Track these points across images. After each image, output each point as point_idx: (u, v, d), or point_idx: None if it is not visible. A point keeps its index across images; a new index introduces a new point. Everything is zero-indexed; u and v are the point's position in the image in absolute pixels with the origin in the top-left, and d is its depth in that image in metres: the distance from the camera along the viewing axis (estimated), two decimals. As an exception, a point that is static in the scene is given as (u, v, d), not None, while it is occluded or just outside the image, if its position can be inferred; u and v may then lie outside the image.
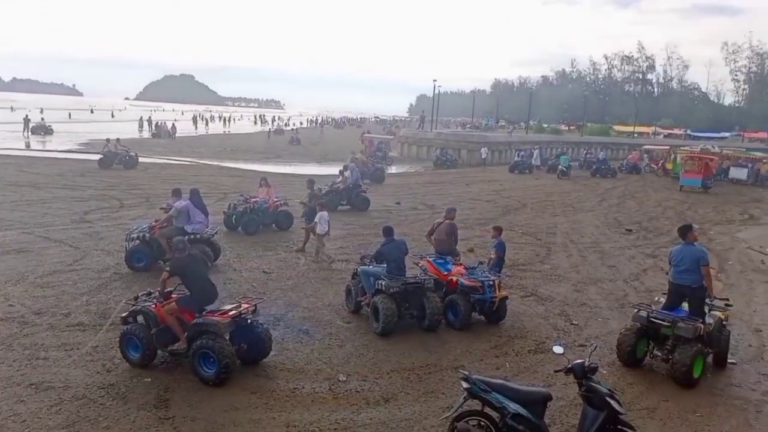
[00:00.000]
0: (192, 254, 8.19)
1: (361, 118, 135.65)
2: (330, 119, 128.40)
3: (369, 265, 9.81)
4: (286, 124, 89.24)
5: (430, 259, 10.31)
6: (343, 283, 10.95)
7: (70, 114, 78.90)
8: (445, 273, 9.91)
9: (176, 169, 30.08)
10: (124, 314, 7.78)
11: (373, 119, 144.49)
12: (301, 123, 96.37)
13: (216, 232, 12.84)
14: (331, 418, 6.47)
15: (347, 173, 20.11)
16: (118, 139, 31.04)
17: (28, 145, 39.81)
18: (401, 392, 7.16)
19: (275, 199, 16.47)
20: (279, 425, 6.29)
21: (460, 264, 10.39)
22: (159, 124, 58.68)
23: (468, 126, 76.98)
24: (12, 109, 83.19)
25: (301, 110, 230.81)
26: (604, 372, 7.78)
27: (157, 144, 45.21)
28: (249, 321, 7.64)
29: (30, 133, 46.26)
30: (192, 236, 11.74)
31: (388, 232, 9.80)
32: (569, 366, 5.51)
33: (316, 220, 13.40)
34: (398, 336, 8.87)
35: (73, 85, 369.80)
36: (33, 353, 7.71)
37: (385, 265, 9.48)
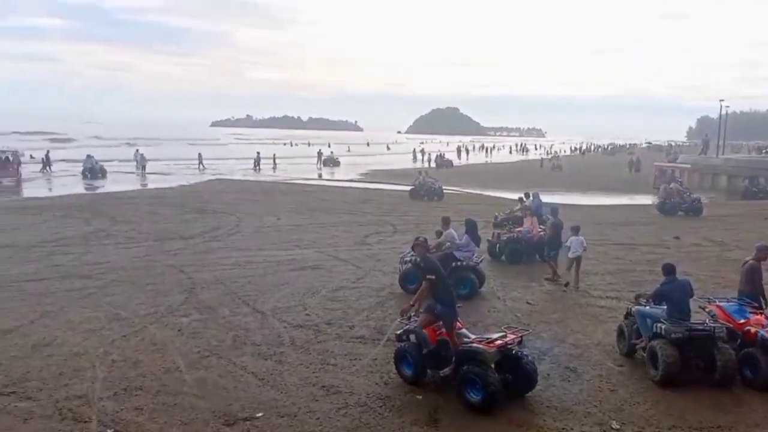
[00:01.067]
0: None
1: (630, 145, 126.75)
2: (595, 146, 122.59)
3: (645, 306, 9.03)
4: (547, 152, 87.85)
5: (722, 305, 9.06)
6: (613, 321, 10.25)
7: (348, 148, 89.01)
8: (741, 322, 8.60)
9: (456, 198, 31.75)
10: (398, 332, 8.42)
11: (644, 145, 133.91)
12: (564, 150, 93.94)
13: (481, 260, 13.16)
14: (603, 467, 6.05)
15: (528, 201, 19.34)
16: (426, 171, 33.96)
17: (320, 176, 46.11)
18: (685, 452, 6.37)
19: (539, 229, 16.25)
20: (546, 464, 6.10)
21: (761, 313, 8.92)
22: (443, 155, 62.61)
23: (765, 151, 66.44)
24: (309, 144, 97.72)
25: (563, 138, 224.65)
26: None
27: (434, 173, 48.31)
28: (515, 352, 7.62)
29: (322, 165, 53.71)
30: (459, 263, 12.25)
31: (669, 270, 8.90)
32: None
33: (567, 243, 13.09)
34: (681, 388, 7.93)
35: (356, 122, 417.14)
36: (324, 359, 8.77)
37: (665, 307, 8.61)
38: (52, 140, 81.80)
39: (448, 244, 12.66)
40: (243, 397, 7.45)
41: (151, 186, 34.68)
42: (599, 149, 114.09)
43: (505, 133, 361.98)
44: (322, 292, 12.40)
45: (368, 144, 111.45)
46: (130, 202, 25.87)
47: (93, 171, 37.70)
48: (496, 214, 20.83)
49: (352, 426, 6.80)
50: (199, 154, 49.08)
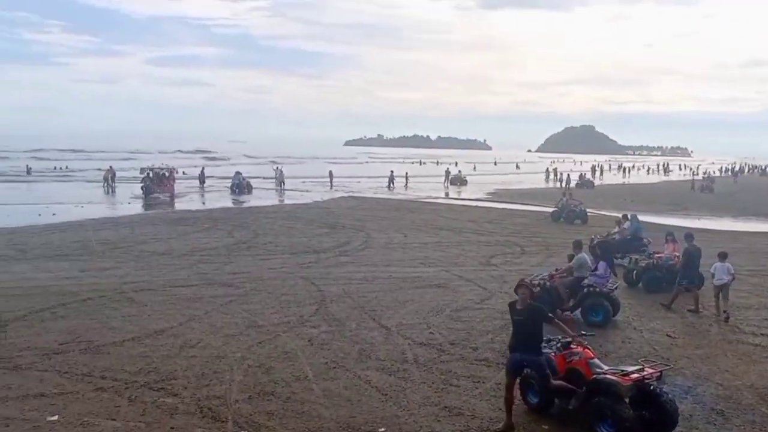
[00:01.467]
0: None
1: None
2: (751, 166, 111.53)
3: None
4: (694, 173, 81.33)
5: None
6: (769, 362, 9.22)
7: (474, 166, 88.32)
8: None
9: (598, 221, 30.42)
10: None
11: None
12: (714, 171, 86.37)
13: (616, 287, 12.43)
14: None
15: (626, 224, 18.44)
16: (570, 192, 32.71)
17: (447, 194, 46.18)
18: None
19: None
20: None
21: None
22: (583, 175, 60.30)
23: None
24: (437, 163, 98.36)
25: (712, 158, 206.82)
26: None
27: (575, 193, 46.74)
28: (653, 388, 7.09)
29: (449, 183, 53.78)
30: (591, 289, 11.67)
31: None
32: None
33: (711, 270, 12.20)
34: None
35: (484, 140, 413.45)
36: (447, 379, 8.72)
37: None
38: (208, 158, 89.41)
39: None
40: (366, 410, 7.61)
41: (287, 202, 36.74)
42: (755, 170, 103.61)
43: (645, 153, 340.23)
44: (447, 311, 12.37)
45: (495, 163, 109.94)
46: (268, 217, 27.57)
47: (240, 186, 40.95)
48: (593, 236, 19.63)
49: (473, 450, 6.68)
50: (330, 172, 51.17)
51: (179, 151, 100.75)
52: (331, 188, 46.60)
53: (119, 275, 14.93)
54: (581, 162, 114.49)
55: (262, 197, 38.66)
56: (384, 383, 8.47)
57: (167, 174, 38.37)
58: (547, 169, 69.32)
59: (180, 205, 33.23)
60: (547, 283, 12.20)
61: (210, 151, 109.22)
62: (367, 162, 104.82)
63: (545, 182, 60.93)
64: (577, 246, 12.71)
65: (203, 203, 35.03)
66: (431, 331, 10.96)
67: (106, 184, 41.87)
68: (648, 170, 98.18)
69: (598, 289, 11.76)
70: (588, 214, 28.63)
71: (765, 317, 12.34)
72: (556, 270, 12.81)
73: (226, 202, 35.56)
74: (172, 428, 6.99)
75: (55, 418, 7.11)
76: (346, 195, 41.38)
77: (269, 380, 8.46)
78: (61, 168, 60.28)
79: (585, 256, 12.39)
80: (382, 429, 7.10)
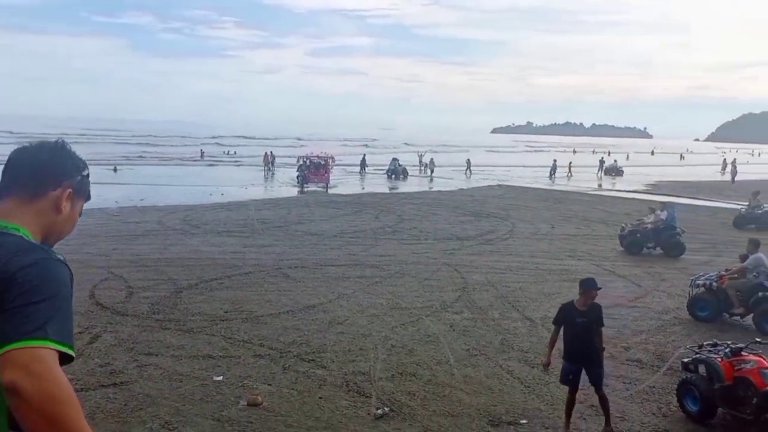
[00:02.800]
0: None
1: None
2: None
3: None
4: None
5: None
6: None
7: (627, 155, 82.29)
8: None
9: None
10: (685, 360, 7.54)
11: None
12: None
13: None
14: None
15: (660, 213, 17.13)
16: (758, 193, 24.53)
17: (600, 185, 43.67)
18: None
19: None
20: None
21: None
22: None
23: None
24: (593, 152, 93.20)
25: None
26: None
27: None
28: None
29: (603, 173, 50.79)
30: (765, 293, 10.47)
31: None
32: None
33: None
34: None
35: (644, 128, 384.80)
36: (595, 377, 8.29)
37: None
38: (365, 146, 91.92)
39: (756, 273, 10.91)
40: (508, 400, 7.50)
41: (434, 188, 37.06)
42: None
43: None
44: (596, 307, 11.74)
45: (652, 152, 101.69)
46: (413, 203, 28.03)
47: (396, 172, 42.58)
48: (623, 224, 18.14)
49: (621, 454, 6.32)
50: (468, 161, 50.17)
51: (342, 138, 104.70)
52: (468, 176, 45.94)
53: (277, 252, 16.05)
54: (759, 153, 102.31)
55: (410, 183, 39.35)
56: (527, 375, 8.29)
57: (322, 162, 36.91)
58: (725, 161, 62.22)
59: (333, 190, 34.82)
60: (714, 284, 11.13)
61: (368, 139, 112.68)
62: (515, 151, 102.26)
63: (721, 175, 55.05)
64: (755, 245, 11.41)
65: (358, 189, 36.34)
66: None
67: (265, 169, 45.11)
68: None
69: (776, 294, 10.50)
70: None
71: None
72: (726, 270, 11.62)
73: (376, 188, 36.64)
74: (321, 398, 7.41)
75: (221, 378, 7.85)
76: (493, 184, 40.77)
77: (411, 361, 8.64)
78: (230, 153, 66.08)
79: (762, 256, 11.09)
80: (524, 421, 6.96)
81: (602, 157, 57.17)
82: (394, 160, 44.52)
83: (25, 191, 1.69)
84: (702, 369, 7.17)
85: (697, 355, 7.34)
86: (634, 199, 33.53)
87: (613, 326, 10.54)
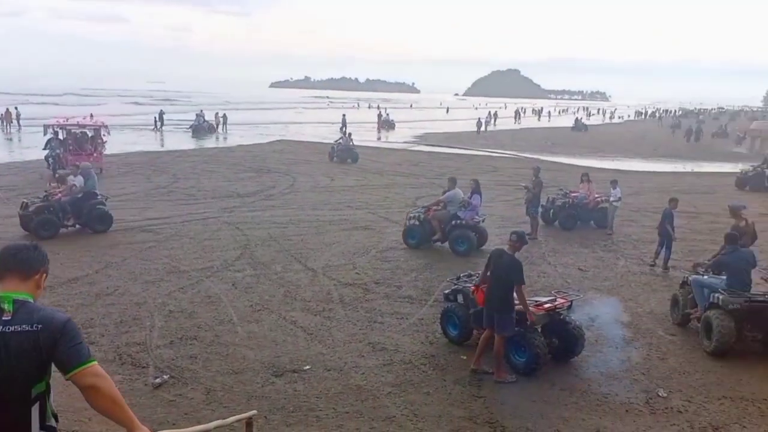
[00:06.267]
0: None
1: (699, 110, 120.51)
2: (663, 111, 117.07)
3: (703, 275, 8.73)
4: (611, 117, 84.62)
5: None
6: (667, 290, 10.01)
7: (411, 105, 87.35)
8: (805, 294, 8.19)
9: (497, 161, 31.17)
10: (446, 292, 8.45)
11: (715, 109, 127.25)
12: (629, 116, 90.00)
13: (483, 219, 13.20)
14: (647, 434, 5.98)
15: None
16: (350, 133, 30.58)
17: (379, 138, 45.91)
18: (735, 423, 6.20)
19: (596, 196, 15.82)
20: (588, 428, 6.06)
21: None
22: (580, 119, 63.34)
23: None
24: (369, 106, 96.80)
25: (629, 102, 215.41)
26: None
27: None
28: (562, 317, 7.55)
29: (381, 127, 53.39)
30: (459, 221, 12.62)
31: (732, 239, 8.54)
32: None
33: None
34: (734, 359, 7.70)
35: (413, 84, 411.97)
36: (372, 317, 8.91)
37: (725, 277, 8.30)
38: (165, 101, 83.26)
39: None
40: (292, 350, 7.69)
41: (209, 145, 35.50)
42: (667, 114, 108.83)
43: (567, 97, 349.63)
44: (372, 252, 12.54)
45: (411, 106, 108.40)
46: (188, 161, 26.61)
47: (200, 129, 40.19)
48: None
49: (396, 382, 6.93)
50: (224, 116, 45.59)
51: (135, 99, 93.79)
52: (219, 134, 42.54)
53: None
54: (505, 105, 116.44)
55: (186, 141, 37.13)
56: (309, 323, 8.57)
57: (90, 134, 24.17)
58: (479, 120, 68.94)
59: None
60: (422, 216, 12.94)
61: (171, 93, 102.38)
62: (298, 107, 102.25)
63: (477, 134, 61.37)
64: (452, 182, 13.33)
65: (127, 148, 33.21)
66: (357, 272, 11.11)
67: (8, 128, 39.01)
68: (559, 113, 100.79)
69: (465, 222, 12.62)
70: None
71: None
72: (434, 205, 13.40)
73: (147, 146, 33.91)
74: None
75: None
76: (273, 140, 40.41)
77: (192, 325, 8.36)
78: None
79: (458, 191, 13.06)
80: (307, 366, 7.21)
81: (380, 112, 59.96)
82: (199, 116, 41.10)
83: (22, 275, 2.65)
84: (460, 298, 8.11)
85: (455, 286, 8.28)
86: (404, 150, 36.01)
87: (387, 268, 11.41)
